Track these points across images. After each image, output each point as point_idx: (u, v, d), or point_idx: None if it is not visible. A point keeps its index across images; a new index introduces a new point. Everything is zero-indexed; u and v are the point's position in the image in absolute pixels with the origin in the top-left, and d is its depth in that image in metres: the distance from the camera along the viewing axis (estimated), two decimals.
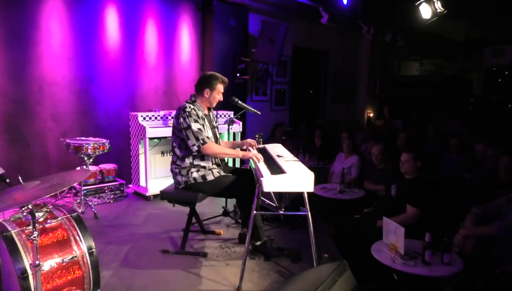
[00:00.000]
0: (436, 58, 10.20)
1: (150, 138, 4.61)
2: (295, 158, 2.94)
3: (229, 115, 5.38)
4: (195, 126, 2.92)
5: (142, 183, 4.78)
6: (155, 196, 4.68)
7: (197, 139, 2.91)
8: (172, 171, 3.11)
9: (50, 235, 2.04)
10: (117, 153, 4.89)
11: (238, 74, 5.99)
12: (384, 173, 4.38)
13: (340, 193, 4.18)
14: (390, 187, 3.61)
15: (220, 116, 5.31)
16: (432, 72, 10.51)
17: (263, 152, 3.32)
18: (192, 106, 3.01)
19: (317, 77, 8.43)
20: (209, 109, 3.22)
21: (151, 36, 5.32)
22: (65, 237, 2.06)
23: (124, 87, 5.11)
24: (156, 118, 4.76)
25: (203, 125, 2.99)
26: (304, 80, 8.09)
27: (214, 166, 3.09)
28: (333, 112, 8.52)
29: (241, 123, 5.40)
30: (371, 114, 9.32)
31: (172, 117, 4.88)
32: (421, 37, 8.42)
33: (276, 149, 3.34)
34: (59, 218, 2.11)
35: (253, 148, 3.31)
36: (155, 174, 4.90)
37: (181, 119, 2.95)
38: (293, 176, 2.42)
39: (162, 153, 4.99)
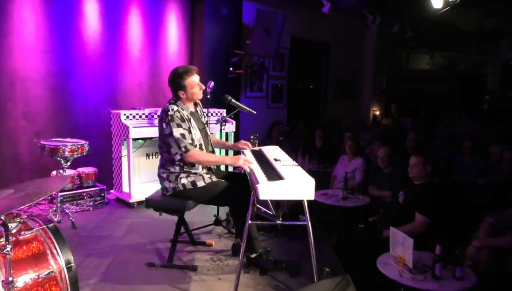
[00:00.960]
0: (448, 51, 10.29)
1: (134, 139, 4.62)
2: (294, 162, 2.95)
3: (221, 114, 5.40)
4: (177, 132, 2.92)
5: (125, 188, 4.78)
6: (139, 203, 4.68)
7: (179, 147, 2.92)
8: (159, 175, 3.12)
9: (24, 248, 2.05)
10: (97, 155, 4.88)
11: (231, 68, 6.01)
12: (391, 178, 4.40)
13: (343, 200, 4.18)
14: (398, 193, 3.65)
15: (212, 114, 5.33)
16: (443, 66, 10.61)
17: (259, 154, 3.33)
18: (175, 108, 3.00)
19: (318, 71, 8.47)
20: (195, 104, 3.21)
21: (134, 26, 5.32)
22: (41, 250, 2.06)
23: (104, 82, 5.11)
24: (140, 117, 4.76)
25: (189, 128, 3.00)
26: (303, 75, 8.12)
27: (205, 171, 3.10)
28: (335, 110, 8.56)
29: (234, 122, 5.42)
30: (377, 112, 9.37)
31: (158, 116, 4.88)
32: (431, 28, 8.50)
33: (273, 152, 3.36)
34: (34, 230, 2.11)
35: (246, 149, 3.31)
36: (139, 178, 4.90)
37: (164, 125, 2.96)
38: (292, 183, 2.43)
39: (147, 155, 5.00)
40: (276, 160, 3.03)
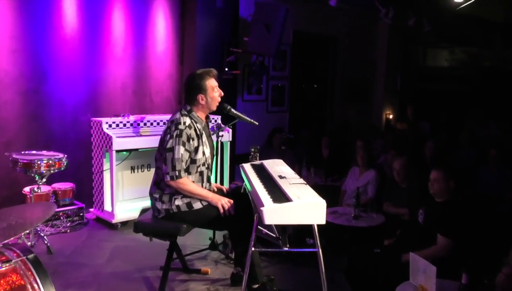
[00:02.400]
0: (470, 46, 10.36)
1: (118, 151, 4.67)
2: (302, 180, 3.01)
3: (215, 121, 5.44)
4: (179, 151, 2.99)
5: (107, 206, 4.82)
6: (123, 224, 4.72)
7: (173, 168, 2.99)
8: (151, 194, 3.17)
9: (2, 282, 2.08)
10: (74, 168, 4.92)
11: (226, 69, 6.07)
12: (408, 193, 4.44)
13: (355, 219, 4.21)
14: (416, 211, 3.69)
15: None
16: (465, 62, 10.66)
17: (261, 170, 3.39)
18: (188, 122, 3.07)
19: (324, 70, 8.53)
20: (207, 117, 3.30)
21: (118, 23, 5.38)
22: (22, 283, 2.09)
23: (84, 85, 5.16)
24: (124, 125, 4.82)
25: (196, 147, 3.07)
26: (307, 74, 8.19)
27: None
28: (343, 114, 8.61)
29: (230, 130, 5.46)
30: (391, 116, 9.42)
31: (145, 124, 4.94)
32: (451, 20, 8.58)
33: (277, 167, 3.41)
34: (13, 261, 2.14)
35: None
36: (123, 195, 4.94)
37: (168, 137, 3.02)
38: (301, 205, 2.50)
39: (132, 169, 5.04)
40: (281, 177, 3.09)
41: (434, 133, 7.32)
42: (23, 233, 1.55)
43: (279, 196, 2.68)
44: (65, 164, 4.05)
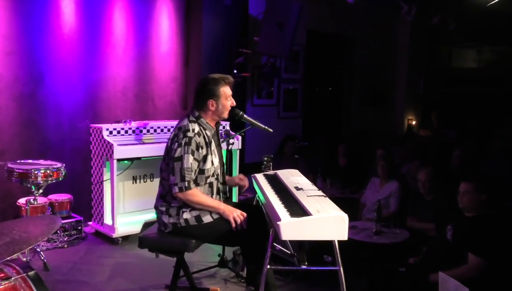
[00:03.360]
0: (499, 45, 10.33)
1: (119, 160, 4.70)
2: (320, 192, 3.02)
3: (223, 127, 5.47)
4: (188, 160, 3.01)
5: (107, 220, 4.85)
6: (124, 238, 4.74)
7: (182, 179, 3.01)
8: (156, 208, 3.19)
9: None
10: (72, 179, 4.95)
11: (235, 71, 6.10)
12: (435, 206, 4.41)
13: (377, 235, 4.19)
14: (444, 226, 3.68)
15: None
16: (494, 63, 10.63)
17: (275, 181, 3.40)
18: (196, 129, 3.10)
19: (340, 72, 8.55)
20: (216, 124, 3.33)
21: (119, 22, 5.45)
22: None
23: (82, 89, 5.21)
24: (126, 132, 4.86)
25: (205, 156, 3.10)
26: (321, 77, 8.21)
27: None
28: (361, 120, 8.63)
29: (240, 137, 5.48)
30: (413, 122, 9.41)
31: (148, 131, 4.99)
32: (479, 17, 8.56)
33: (293, 178, 3.42)
34: (12, 279, 2.18)
35: (243, 188, 3.47)
36: (123, 207, 4.97)
37: (176, 145, 3.04)
38: (321, 219, 2.50)
39: (134, 179, 5.08)
40: (297, 188, 3.09)
41: (460, 141, 7.29)
42: (27, 249, 1.59)
43: (297, 209, 2.68)
44: (63, 173, 4.10)
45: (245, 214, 3.06)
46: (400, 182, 5.08)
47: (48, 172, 3.96)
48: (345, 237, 2.54)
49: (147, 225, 4.75)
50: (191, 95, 6.03)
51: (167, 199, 3.13)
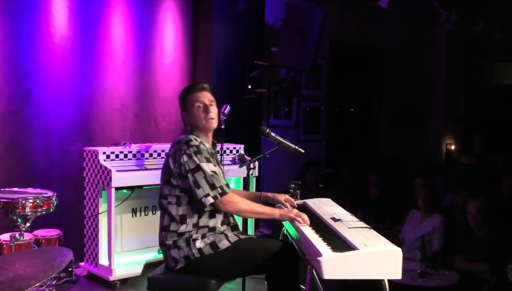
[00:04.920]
0: None
1: (118, 189, 4.64)
2: (363, 223, 3.00)
3: (237, 151, 5.42)
4: (208, 167, 2.99)
5: (103, 260, 4.74)
6: (122, 282, 4.64)
7: (213, 187, 2.98)
8: (162, 244, 3.11)
9: None
10: (62, 211, 4.83)
11: (249, 87, 6.10)
12: (488, 243, 4.38)
13: (422, 277, 4.16)
14: (502, 266, 3.61)
15: (226, 152, 5.30)
16: None
17: (306, 211, 3.36)
18: (198, 139, 3.12)
19: (368, 89, 8.56)
20: (213, 144, 3.33)
21: (117, 30, 5.45)
22: None
23: (75, 107, 5.18)
24: (126, 156, 4.80)
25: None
26: (347, 94, 8.21)
27: (227, 228, 3.14)
28: (392, 144, 8.59)
29: (257, 163, 5.43)
30: (452, 147, 9.36)
31: (150, 155, 4.94)
32: None
33: (327, 208, 3.42)
34: None
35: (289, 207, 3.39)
36: (121, 245, 4.89)
37: (185, 158, 3.01)
38: (371, 254, 2.46)
39: (134, 211, 5.01)
40: (335, 219, 3.10)
41: (509, 168, 7.21)
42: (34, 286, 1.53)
43: (338, 243, 2.66)
44: (54, 204, 4.07)
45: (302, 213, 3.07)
46: (444, 216, 5.05)
47: (37, 201, 3.93)
48: (398, 275, 2.50)
49: (149, 266, 4.71)
50: None
51: (171, 229, 3.06)
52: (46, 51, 4.99)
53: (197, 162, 2.99)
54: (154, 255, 4.93)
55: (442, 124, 9.30)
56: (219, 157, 3.57)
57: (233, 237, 3.08)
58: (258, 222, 5.98)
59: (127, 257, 4.85)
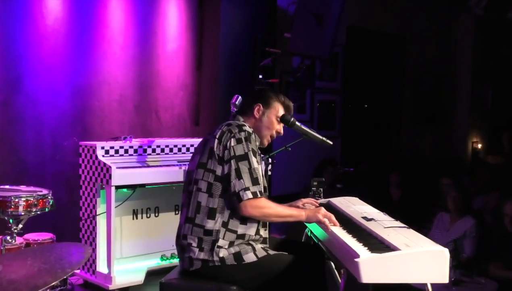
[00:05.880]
0: None
1: (118, 187, 4.60)
2: (399, 223, 3.00)
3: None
4: (253, 161, 2.94)
5: (101, 267, 4.72)
6: (123, 290, 4.61)
7: (255, 182, 2.91)
8: (183, 237, 3.01)
9: None
10: (55, 212, 4.78)
11: (260, 76, 6.05)
12: None
13: (456, 285, 4.16)
14: None
15: None
16: None
17: (332, 210, 3.34)
18: (251, 129, 3.08)
19: (388, 80, 8.55)
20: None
21: (116, 12, 5.45)
22: None
23: (69, 97, 5.16)
24: (126, 151, 4.79)
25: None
26: (365, 86, 8.20)
27: (258, 237, 3.06)
28: (414, 142, 8.59)
29: (270, 160, 5.40)
30: (479, 145, 9.35)
31: (153, 151, 4.89)
32: None
33: (356, 207, 3.41)
34: None
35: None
36: (121, 250, 4.88)
37: (232, 142, 2.93)
38: (415, 255, 2.42)
39: (135, 213, 4.99)
40: (367, 219, 3.08)
41: None
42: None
43: (375, 243, 2.62)
44: (50, 203, 4.01)
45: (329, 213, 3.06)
46: (477, 219, 5.06)
47: (31, 200, 3.86)
48: (445, 278, 2.45)
49: (151, 273, 4.67)
50: (204, 108, 6.00)
51: (197, 222, 2.97)
52: (38, 34, 4.97)
53: (246, 150, 2.93)
54: (157, 262, 4.93)
55: (468, 121, 9.31)
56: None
57: (260, 251, 3.01)
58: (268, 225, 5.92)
59: (127, 264, 4.84)
